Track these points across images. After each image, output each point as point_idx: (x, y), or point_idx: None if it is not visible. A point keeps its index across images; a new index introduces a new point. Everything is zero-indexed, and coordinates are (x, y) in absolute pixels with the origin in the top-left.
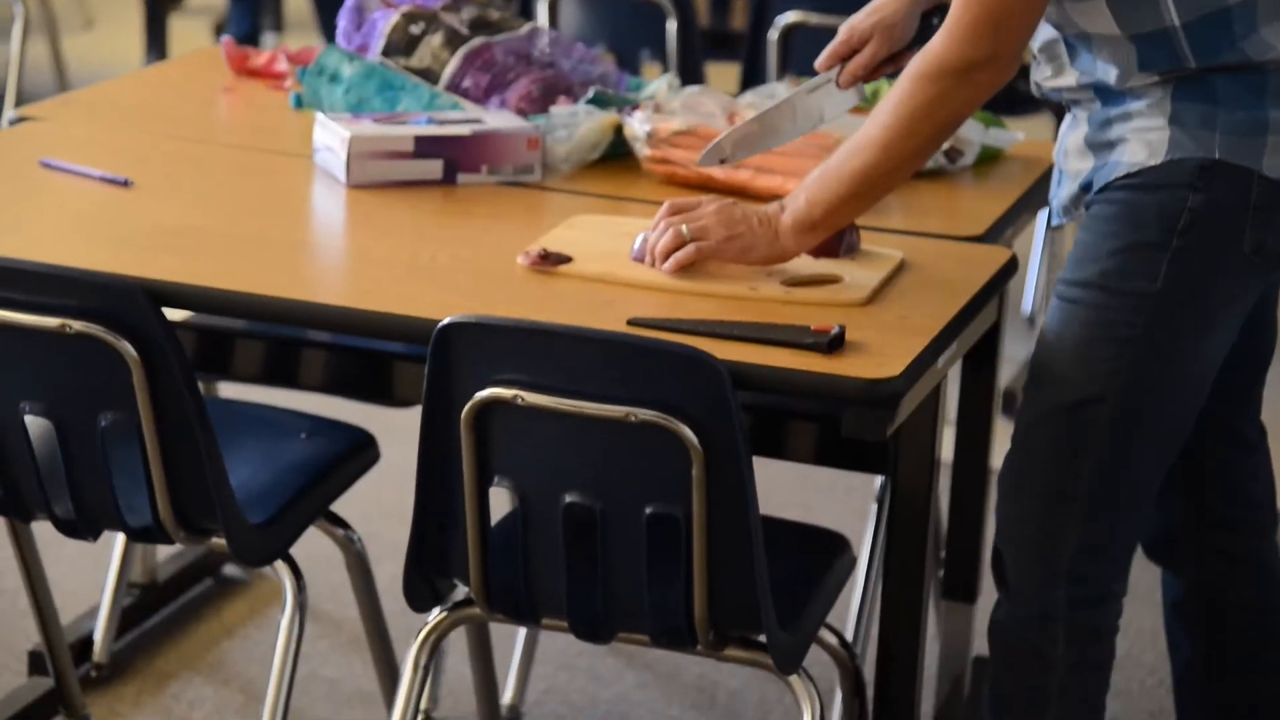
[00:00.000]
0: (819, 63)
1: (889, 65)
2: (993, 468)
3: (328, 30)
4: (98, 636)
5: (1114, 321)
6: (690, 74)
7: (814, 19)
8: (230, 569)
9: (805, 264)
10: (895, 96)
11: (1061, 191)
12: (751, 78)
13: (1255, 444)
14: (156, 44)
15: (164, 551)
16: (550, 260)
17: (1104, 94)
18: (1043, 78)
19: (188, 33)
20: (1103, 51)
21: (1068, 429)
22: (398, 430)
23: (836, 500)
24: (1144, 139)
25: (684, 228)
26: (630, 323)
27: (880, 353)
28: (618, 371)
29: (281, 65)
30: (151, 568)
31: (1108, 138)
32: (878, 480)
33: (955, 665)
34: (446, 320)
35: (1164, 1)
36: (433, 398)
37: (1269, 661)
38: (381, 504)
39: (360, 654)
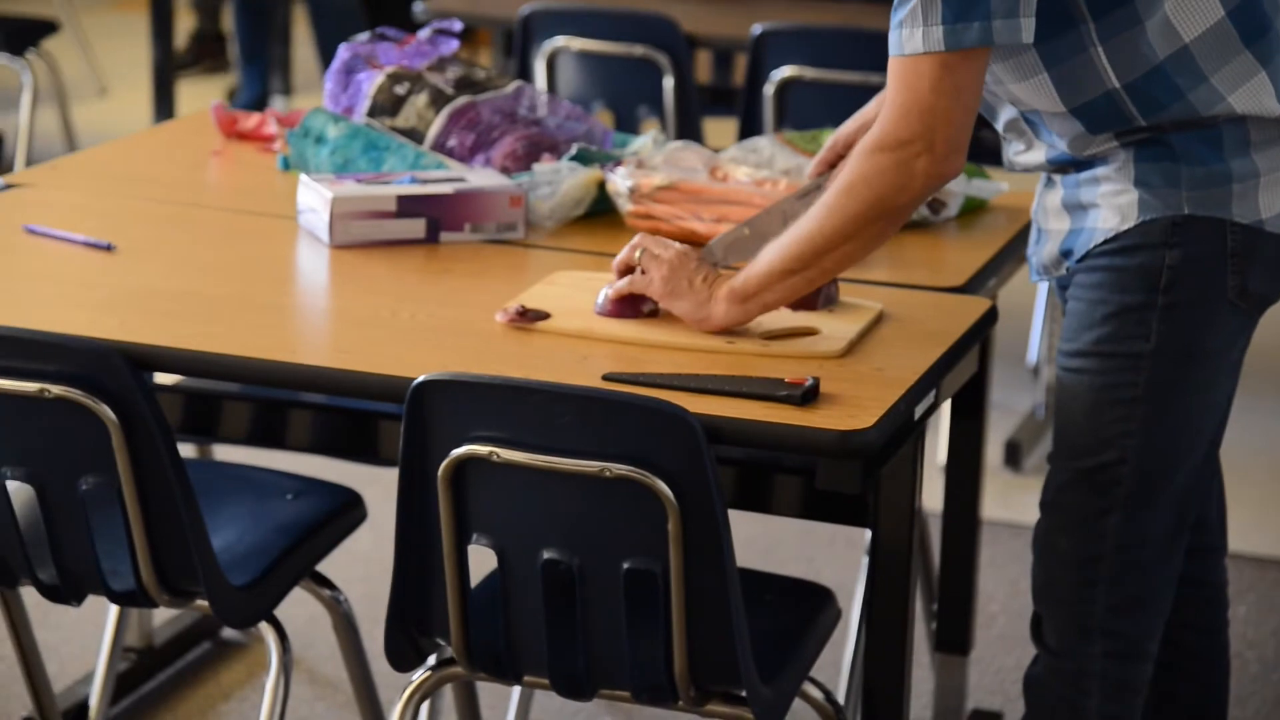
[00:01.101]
0: (809, 171)
1: None
2: (983, 518)
3: None
4: (93, 703)
5: (1116, 384)
6: (688, 130)
7: (809, 73)
8: (228, 632)
9: (783, 317)
10: (840, 177)
11: (1041, 250)
12: (748, 132)
13: (1210, 470)
14: (165, 109)
15: (161, 615)
16: (528, 317)
17: (1072, 162)
18: (1015, 154)
19: (200, 98)
20: (1054, 125)
21: (1091, 492)
22: (390, 489)
23: (838, 554)
24: (1113, 204)
25: (638, 253)
26: (605, 378)
27: (854, 404)
28: (592, 427)
29: (271, 128)
30: (148, 632)
31: (1080, 201)
32: (869, 533)
33: (949, 716)
34: (421, 378)
35: (1101, 67)
36: (409, 456)
37: (1212, 680)
38: (381, 563)
39: (358, 717)
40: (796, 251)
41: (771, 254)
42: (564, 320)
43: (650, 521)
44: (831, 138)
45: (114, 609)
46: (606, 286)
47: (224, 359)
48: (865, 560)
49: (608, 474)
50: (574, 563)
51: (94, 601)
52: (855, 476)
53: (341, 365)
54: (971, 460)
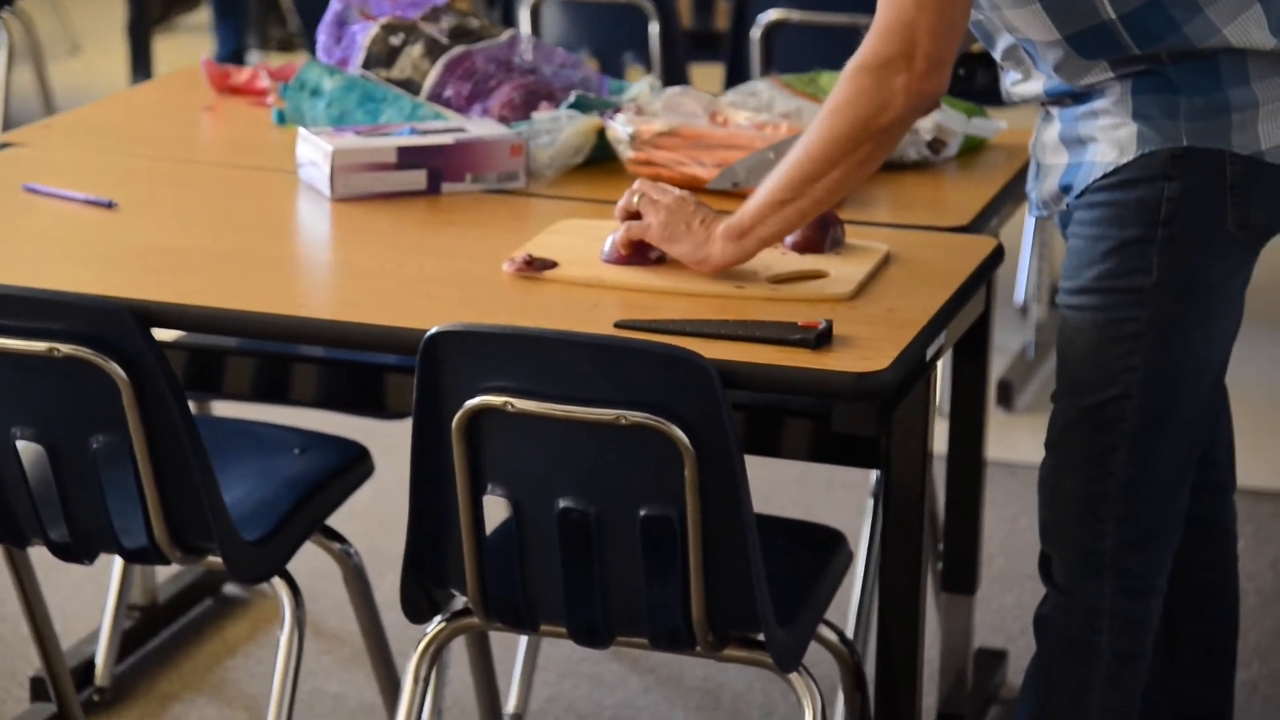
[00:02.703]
0: None
1: None
2: (987, 459)
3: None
4: (99, 660)
5: (1119, 320)
6: (674, 75)
7: (796, 16)
8: (231, 588)
9: (791, 260)
10: (826, 101)
11: (1041, 185)
12: (735, 77)
13: (1219, 407)
14: (142, 67)
15: (164, 573)
16: (535, 266)
17: (1070, 95)
18: (1011, 84)
19: (175, 53)
20: (1048, 55)
21: (1096, 429)
22: (389, 443)
23: (836, 498)
24: (1112, 137)
25: (636, 199)
26: (617, 325)
27: (868, 346)
28: (607, 375)
29: (263, 82)
30: (151, 589)
31: (1079, 134)
32: (874, 476)
33: (957, 658)
34: (434, 330)
35: None
36: (423, 408)
37: (1222, 618)
38: (379, 517)
39: (364, 669)
40: (786, 181)
41: (763, 187)
42: (571, 269)
43: (666, 468)
44: None
45: (119, 566)
46: (612, 234)
47: (235, 314)
48: (869, 503)
49: (623, 421)
50: (590, 511)
51: (96, 560)
52: (871, 419)
53: (352, 318)
54: (975, 401)
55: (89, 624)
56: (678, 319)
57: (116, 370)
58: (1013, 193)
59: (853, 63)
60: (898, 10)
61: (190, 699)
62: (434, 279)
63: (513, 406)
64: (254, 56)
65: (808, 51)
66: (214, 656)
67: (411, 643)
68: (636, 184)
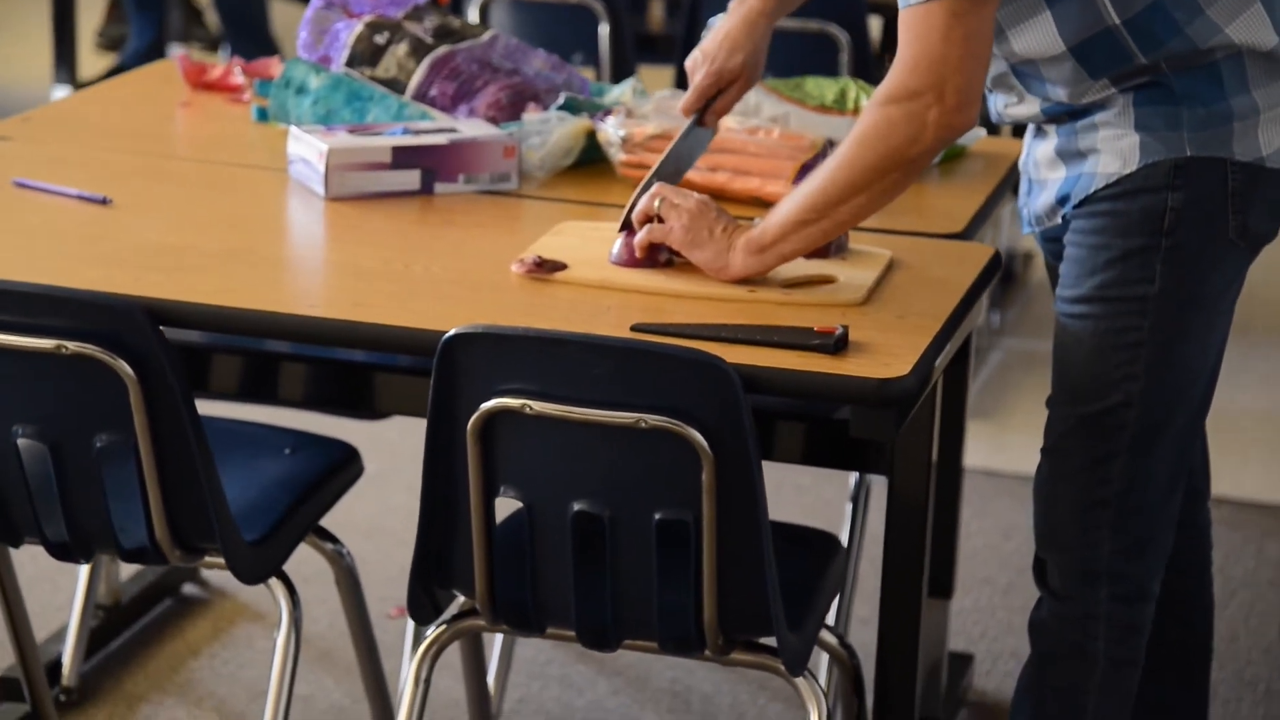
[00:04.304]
0: (686, 103)
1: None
2: (965, 466)
3: (236, 44)
4: (66, 660)
5: (1122, 329)
6: (622, 77)
7: None
8: (190, 588)
9: (799, 264)
10: (853, 129)
11: (1035, 201)
12: (685, 79)
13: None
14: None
15: (125, 572)
16: (545, 268)
17: (1068, 112)
18: (1004, 106)
19: (98, 51)
20: (1051, 72)
21: (1097, 437)
22: (368, 442)
23: (808, 500)
24: (1114, 148)
25: (657, 202)
26: (634, 328)
27: (886, 352)
28: (626, 378)
29: (237, 78)
30: (115, 589)
31: (1078, 148)
32: (852, 479)
33: (932, 659)
34: (453, 331)
35: (1102, 3)
36: (438, 409)
37: (1199, 622)
38: (355, 516)
39: (330, 670)
40: (811, 202)
41: (788, 205)
42: (581, 270)
43: (683, 472)
44: (712, 73)
45: (86, 566)
46: (622, 235)
47: (249, 314)
48: (848, 507)
49: (643, 425)
50: (605, 514)
51: (54, 560)
52: (891, 424)
53: (366, 319)
54: (956, 407)
55: (46, 623)
56: (693, 323)
57: (125, 369)
58: (998, 200)
59: (881, 93)
60: (925, 44)
61: (158, 700)
62: (442, 280)
63: (531, 409)
64: (175, 51)
65: None
66: (178, 657)
67: (386, 646)
68: (656, 187)
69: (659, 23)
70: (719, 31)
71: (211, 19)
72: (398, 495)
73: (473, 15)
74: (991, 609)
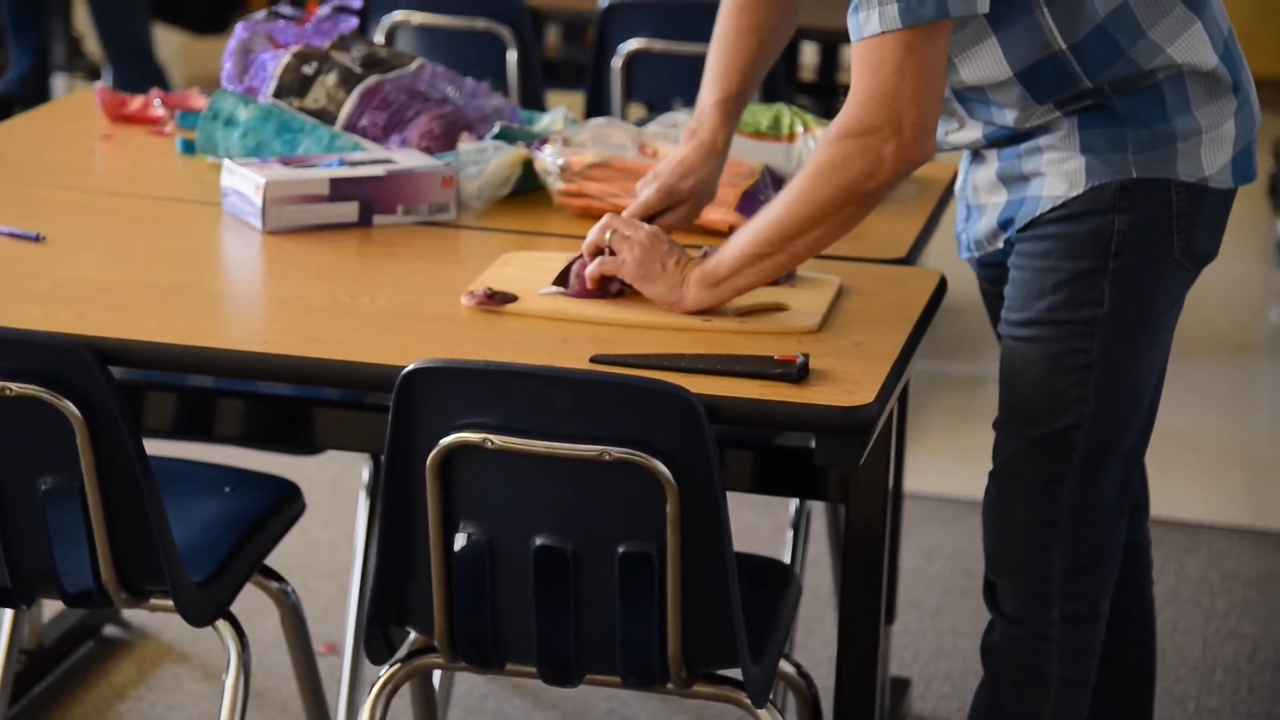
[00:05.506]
0: (629, 214)
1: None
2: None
3: (119, 73)
4: None
5: (1070, 350)
6: (532, 104)
7: (657, 45)
8: (111, 629)
9: (751, 292)
10: (807, 163)
11: (974, 226)
12: (595, 106)
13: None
14: None
15: (47, 614)
16: (496, 300)
17: (1010, 136)
18: (945, 133)
19: None
20: (997, 97)
21: (1046, 459)
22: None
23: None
24: (1060, 170)
25: (608, 234)
26: (594, 360)
27: (848, 380)
28: (589, 410)
29: (158, 110)
30: (37, 631)
31: (1021, 171)
32: (793, 506)
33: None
34: (411, 366)
35: (1048, 28)
36: (396, 445)
37: (1142, 639)
38: (276, 554)
39: (264, 710)
40: (767, 236)
41: (742, 238)
42: (533, 302)
43: (647, 504)
44: (662, 190)
45: (10, 611)
46: (573, 266)
47: (201, 351)
48: (789, 534)
49: (606, 458)
50: (568, 548)
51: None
52: (857, 452)
53: (321, 354)
54: (897, 432)
55: None
56: (653, 353)
57: (71, 409)
58: (937, 223)
59: (835, 128)
60: (879, 78)
61: None
62: (391, 313)
63: (492, 443)
64: (59, 80)
65: (666, 81)
66: (104, 700)
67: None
68: (606, 219)
69: (555, 49)
70: (672, 158)
71: (92, 47)
72: (318, 530)
73: (379, 40)
74: (922, 632)
